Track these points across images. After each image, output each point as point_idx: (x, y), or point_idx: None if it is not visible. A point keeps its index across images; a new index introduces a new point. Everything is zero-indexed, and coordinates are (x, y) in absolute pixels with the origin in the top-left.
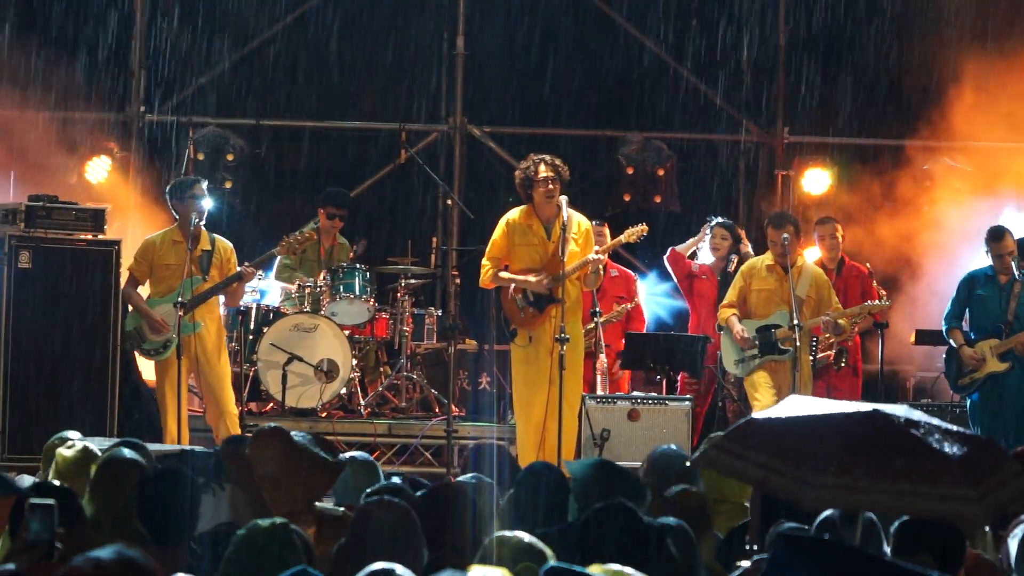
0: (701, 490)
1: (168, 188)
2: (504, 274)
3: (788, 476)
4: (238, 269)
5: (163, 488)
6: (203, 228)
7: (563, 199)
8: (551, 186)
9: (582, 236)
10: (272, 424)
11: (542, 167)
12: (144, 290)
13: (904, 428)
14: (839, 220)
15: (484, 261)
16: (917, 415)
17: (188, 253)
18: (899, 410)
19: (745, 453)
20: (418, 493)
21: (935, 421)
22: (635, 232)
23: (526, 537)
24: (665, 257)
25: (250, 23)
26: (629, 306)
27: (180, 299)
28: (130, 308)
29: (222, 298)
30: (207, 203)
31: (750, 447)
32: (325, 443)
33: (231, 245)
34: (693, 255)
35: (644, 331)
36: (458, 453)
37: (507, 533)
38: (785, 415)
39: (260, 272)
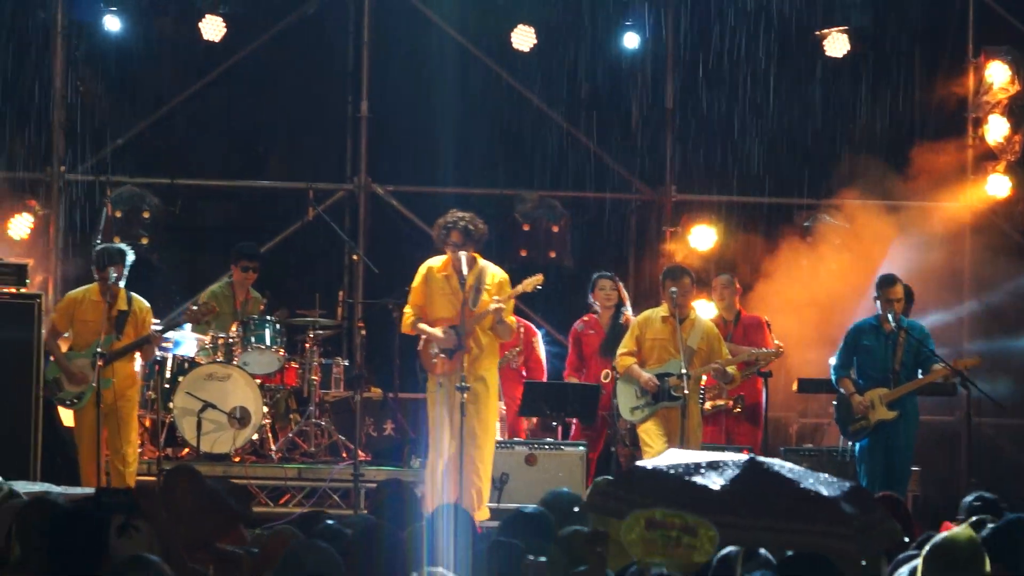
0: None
1: (94, 253)
2: (421, 325)
3: None
4: (147, 333)
5: (75, 528)
6: (122, 288)
7: (462, 254)
8: (458, 252)
9: (495, 288)
10: (184, 464)
11: (454, 235)
12: (65, 343)
13: (780, 474)
14: (735, 274)
15: (407, 308)
16: (789, 464)
17: (105, 312)
18: (774, 461)
19: (630, 497)
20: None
21: (805, 470)
22: (532, 282)
23: (449, 574)
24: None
25: (164, 86)
26: (517, 349)
27: (100, 350)
28: (51, 358)
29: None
30: (122, 277)
31: (634, 491)
32: (238, 493)
33: (148, 305)
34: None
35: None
36: (365, 496)
37: (436, 569)
38: (667, 463)
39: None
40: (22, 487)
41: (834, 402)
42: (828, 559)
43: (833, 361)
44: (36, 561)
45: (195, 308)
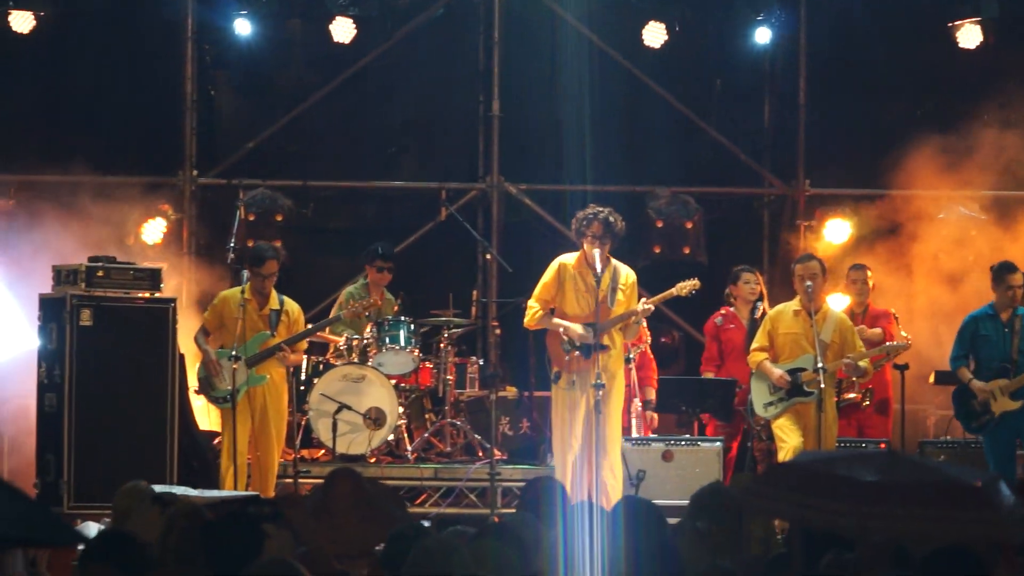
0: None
1: (248, 255)
2: (556, 320)
3: (825, 510)
4: (307, 327)
5: (229, 533)
6: (274, 289)
7: (597, 251)
8: (597, 244)
9: (629, 288)
10: (347, 466)
11: (595, 226)
12: (216, 342)
13: (921, 462)
14: (870, 267)
15: (531, 302)
16: (922, 458)
17: (256, 313)
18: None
19: (777, 495)
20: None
21: (941, 462)
22: (687, 286)
23: None
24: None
25: (295, 88)
26: (641, 347)
27: (234, 352)
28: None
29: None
30: (272, 275)
31: (782, 488)
32: (395, 498)
33: (299, 308)
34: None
35: (655, 377)
36: (501, 495)
37: None
38: (807, 459)
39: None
40: (160, 491)
41: (952, 398)
42: (972, 553)
43: (951, 353)
44: (182, 565)
45: (357, 304)
